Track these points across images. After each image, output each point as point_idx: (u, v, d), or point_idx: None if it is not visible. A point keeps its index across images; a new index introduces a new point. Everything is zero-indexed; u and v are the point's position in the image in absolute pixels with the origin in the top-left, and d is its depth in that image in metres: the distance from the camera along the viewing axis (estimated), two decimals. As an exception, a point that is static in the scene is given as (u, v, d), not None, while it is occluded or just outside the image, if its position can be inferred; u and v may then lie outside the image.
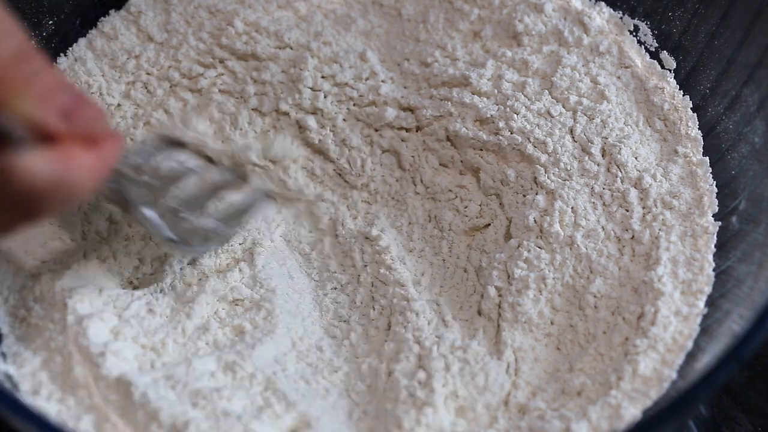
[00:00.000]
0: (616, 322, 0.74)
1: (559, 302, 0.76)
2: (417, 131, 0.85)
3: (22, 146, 0.52)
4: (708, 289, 0.74)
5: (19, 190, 0.53)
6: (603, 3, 0.88)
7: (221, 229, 0.76)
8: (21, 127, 0.52)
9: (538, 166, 0.81)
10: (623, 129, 0.81)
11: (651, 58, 0.86)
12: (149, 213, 0.71)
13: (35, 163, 0.52)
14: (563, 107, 0.82)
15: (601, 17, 0.87)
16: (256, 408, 0.70)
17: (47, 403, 0.68)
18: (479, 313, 0.78)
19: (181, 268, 0.78)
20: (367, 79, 0.86)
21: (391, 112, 0.85)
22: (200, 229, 0.75)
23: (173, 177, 0.73)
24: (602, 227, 0.78)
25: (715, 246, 0.76)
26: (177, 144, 0.74)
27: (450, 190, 0.84)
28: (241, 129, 0.85)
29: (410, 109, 0.85)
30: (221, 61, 0.86)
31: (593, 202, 0.79)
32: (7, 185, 0.52)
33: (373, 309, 0.78)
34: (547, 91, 0.83)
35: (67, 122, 0.54)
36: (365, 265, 0.81)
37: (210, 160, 0.75)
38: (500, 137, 0.82)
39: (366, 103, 0.85)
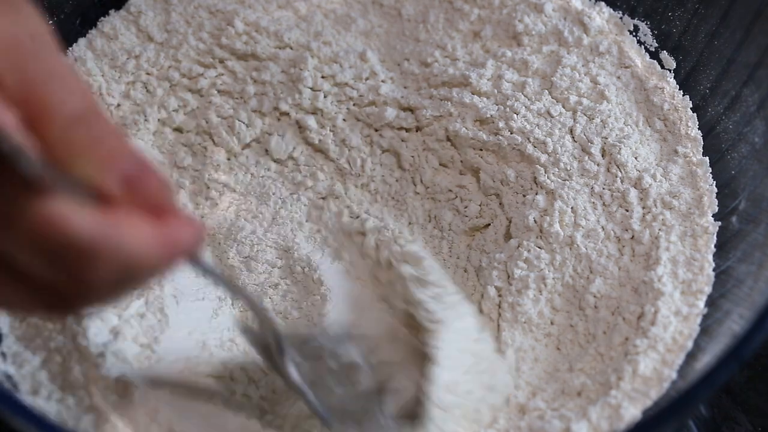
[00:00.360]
0: (616, 322, 0.74)
1: (559, 302, 0.76)
2: (417, 131, 0.85)
3: (60, 196, 0.47)
4: (708, 289, 0.74)
5: (57, 244, 0.47)
6: (603, 3, 0.88)
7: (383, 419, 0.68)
8: (75, 185, 0.48)
9: (538, 166, 0.81)
10: (623, 129, 0.81)
11: (651, 58, 0.86)
12: (295, 374, 0.66)
13: (76, 214, 0.47)
14: (563, 107, 0.82)
15: (601, 17, 0.87)
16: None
17: (47, 403, 0.68)
18: (480, 312, 0.78)
19: None
20: (367, 79, 0.86)
21: (391, 112, 0.85)
22: (350, 405, 0.67)
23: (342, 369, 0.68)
24: (602, 227, 0.78)
25: (715, 246, 0.76)
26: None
27: (450, 190, 0.84)
28: (238, 132, 0.85)
29: (410, 109, 0.85)
30: (221, 61, 0.86)
31: (593, 202, 0.79)
32: (42, 236, 0.47)
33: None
34: (547, 91, 0.83)
35: (127, 189, 0.49)
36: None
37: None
38: (500, 137, 0.82)
39: (366, 103, 0.85)
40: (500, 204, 0.82)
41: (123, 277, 0.50)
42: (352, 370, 0.68)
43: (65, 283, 0.49)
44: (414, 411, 0.67)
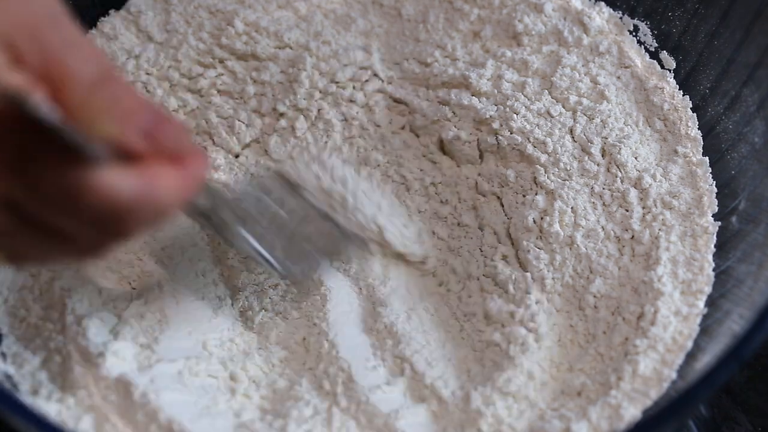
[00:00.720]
0: (616, 322, 0.74)
1: (558, 302, 0.76)
2: (416, 133, 0.85)
3: (99, 163, 0.51)
4: (708, 289, 0.74)
5: (102, 209, 0.52)
6: (603, 3, 0.88)
7: (314, 257, 0.75)
8: (101, 146, 0.51)
9: (537, 166, 0.81)
10: (623, 129, 0.81)
11: (651, 58, 0.86)
12: (246, 234, 0.70)
13: (119, 179, 0.51)
14: (563, 107, 0.82)
15: (601, 17, 0.87)
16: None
17: (47, 403, 0.68)
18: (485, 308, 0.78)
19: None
20: (366, 80, 0.86)
21: (389, 113, 0.85)
22: (297, 251, 0.74)
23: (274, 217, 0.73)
24: (602, 227, 0.78)
25: (715, 246, 0.76)
26: (291, 186, 0.75)
27: (446, 202, 0.84)
28: (238, 133, 0.85)
29: (409, 111, 0.85)
30: (221, 61, 0.86)
31: (593, 202, 0.79)
32: (89, 204, 0.51)
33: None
34: (546, 91, 0.83)
35: (150, 141, 0.53)
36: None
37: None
38: (500, 137, 0.82)
39: (365, 103, 0.85)
40: (500, 204, 0.82)
41: (152, 223, 0.55)
42: (300, 214, 0.75)
43: (101, 236, 0.54)
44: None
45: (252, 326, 0.76)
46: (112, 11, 0.88)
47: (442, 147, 0.85)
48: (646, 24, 0.87)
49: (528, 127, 0.82)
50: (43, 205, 0.52)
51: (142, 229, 0.55)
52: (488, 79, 0.84)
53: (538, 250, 0.78)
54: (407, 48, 0.87)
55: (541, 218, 0.79)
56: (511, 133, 0.82)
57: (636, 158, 0.80)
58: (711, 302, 0.73)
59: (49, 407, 0.68)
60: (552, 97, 0.83)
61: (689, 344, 0.71)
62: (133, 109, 0.53)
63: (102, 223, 0.53)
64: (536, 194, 0.80)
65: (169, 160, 0.54)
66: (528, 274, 0.77)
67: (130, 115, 0.53)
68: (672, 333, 0.71)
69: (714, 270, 0.75)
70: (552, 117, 0.82)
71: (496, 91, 0.83)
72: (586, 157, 0.80)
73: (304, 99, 0.84)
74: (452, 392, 0.72)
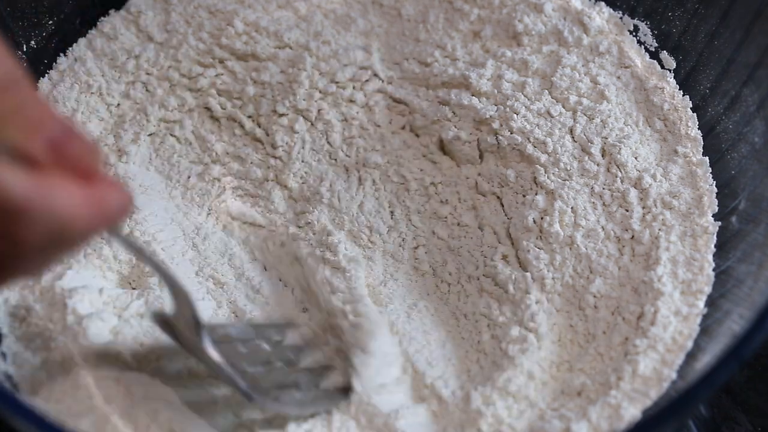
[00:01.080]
0: (616, 322, 0.74)
1: (558, 302, 0.76)
2: (416, 133, 0.85)
3: None
4: (708, 289, 0.74)
5: None
6: (603, 3, 0.88)
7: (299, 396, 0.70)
8: (3, 151, 0.50)
9: (537, 166, 0.81)
10: (623, 129, 0.82)
11: (651, 58, 0.86)
12: (213, 351, 0.66)
13: (11, 177, 0.49)
14: (563, 107, 0.82)
15: (601, 17, 0.87)
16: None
17: (47, 403, 0.68)
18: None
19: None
20: (366, 80, 0.86)
21: (389, 113, 0.85)
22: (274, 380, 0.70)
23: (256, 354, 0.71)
24: (602, 227, 0.78)
25: (715, 246, 0.76)
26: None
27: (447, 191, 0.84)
28: (236, 131, 0.85)
29: (410, 111, 0.85)
30: (221, 61, 0.86)
31: (593, 202, 0.79)
32: None
33: None
34: (546, 91, 0.83)
35: (55, 154, 0.51)
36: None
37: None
38: (500, 137, 0.82)
39: (365, 103, 0.85)
40: (500, 204, 0.82)
41: (55, 238, 0.51)
42: (292, 351, 0.72)
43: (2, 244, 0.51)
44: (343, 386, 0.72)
45: None
46: (112, 11, 0.88)
47: (442, 147, 0.85)
48: (646, 24, 0.87)
49: (528, 127, 0.82)
50: None
51: (45, 243, 0.51)
52: (488, 79, 0.84)
53: (538, 250, 0.78)
54: (407, 48, 0.87)
55: (541, 218, 0.79)
56: (511, 133, 0.82)
57: (636, 158, 0.80)
58: (711, 302, 0.73)
59: (49, 407, 0.68)
60: (552, 97, 0.83)
61: (689, 344, 0.71)
62: (41, 119, 0.51)
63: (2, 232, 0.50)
64: (536, 194, 0.80)
65: (74, 177, 0.52)
66: (528, 274, 0.77)
67: (36, 124, 0.51)
68: (672, 333, 0.71)
69: (714, 270, 0.75)
70: (552, 117, 0.82)
71: (496, 91, 0.83)
72: (586, 157, 0.80)
73: (304, 99, 0.84)
74: (452, 392, 0.72)
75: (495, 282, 0.78)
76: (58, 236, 0.52)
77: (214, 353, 0.66)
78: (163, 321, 0.67)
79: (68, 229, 0.52)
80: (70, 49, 0.86)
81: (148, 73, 0.85)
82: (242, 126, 0.85)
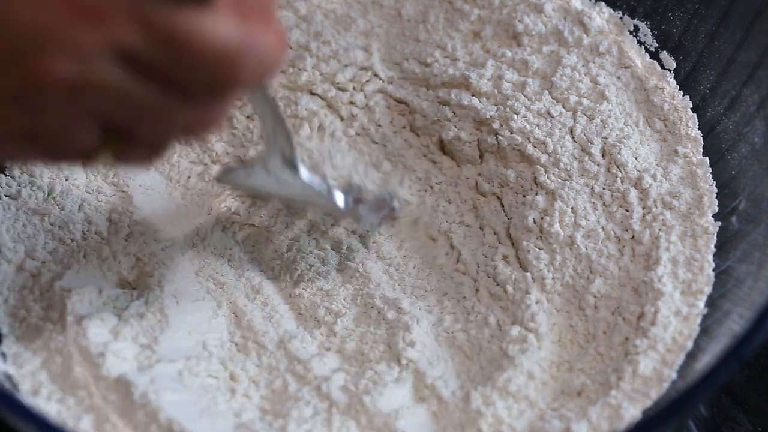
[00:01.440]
0: (616, 322, 0.74)
1: (558, 302, 0.76)
2: (416, 133, 0.85)
3: (190, 6, 0.49)
4: (708, 289, 0.74)
5: (206, 57, 0.50)
6: (603, 3, 0.88)
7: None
8: None
9: (538, 166, 0.81)
10: (623, 129, 0.82)
11: (651, 58, 0.86)
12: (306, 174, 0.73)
13: (223, 25, 0.50)
14: (563, 107, 0.82)
15: (601, 17, 0.87)
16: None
17: (47, 403, 0.68)
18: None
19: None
20: (367, 80, 0.86)
21: (390, 113, 0.85)
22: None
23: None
24: (602, 227, 0.78)
25: (715, 246, 0.76)
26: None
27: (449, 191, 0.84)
28: (235, 128, 0.85)
29: (410, 111, 0.85)
30: (221, 61, 0.86)
31: (593, 202, 0.79)
32: (191, 51, 0.49)
33: (371, 316, 0.78)
34: (547, 91, 0.83)
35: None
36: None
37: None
38: (500, 137, 0.82)
39: (365, 104, 0.85)
40: (500, 204, 0.82)
41: (260, 76, 0.53)
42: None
43: (217, 88, 0.52)
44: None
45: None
46: (112, 11, 0.88)
47: (443, 147, 0.85)
48: (647, 24, 0.87)
49: (528, 127, 0.82)
50: (159, 51, 0.50)
51: (245, 86, 0.53)
52: (488, 79, 0.84)
53: (538, 250, 0.78)
54: (407, 48, 0.87)
55: (542, 218, 0.79)
56: (511, 133, 0.82)
57: (636, 158, 0.80)
58: (711, 302, 0.73)
59: (49, 407, 0.68)
60: (552, 97, 0.83)
61: (689, 344, 0.71)
62: None
63: (212, 74, 0.51)
64: (536, 194, 0.80)
65: (260, 19, 0.52)
66: (528, 274, 0.77)
67: None
68: (672, 333, 0.71)
69: (714, 270, 0.75)
70: (552, 117, 0.82)
71: (496, 91, 0.83)
72: (586, 158, 0.80)
73: (304, 100, 0.84)
74: (452, 392, 0.72)
75: (495, 282, 0.78)
76: (260, 74, 0.53)
77: (306, 174, 0.73)
78: (233, 175, 0.71)
79: (270, 67, 0.53)
80: (70, 49, 0.86)
81: (148, 73, 0.85)
82: (242, 126, 0.85)
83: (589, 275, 0.76)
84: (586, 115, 0.82)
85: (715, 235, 0.77)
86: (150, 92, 0.51)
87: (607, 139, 0.81)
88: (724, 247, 0.76)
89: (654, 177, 0.79)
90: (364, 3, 0.90)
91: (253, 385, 0.73)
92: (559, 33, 0.85)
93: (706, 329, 0.71)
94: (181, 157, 0.85)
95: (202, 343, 0.74)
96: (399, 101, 0.86)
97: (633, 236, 0.77)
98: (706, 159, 0.81)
